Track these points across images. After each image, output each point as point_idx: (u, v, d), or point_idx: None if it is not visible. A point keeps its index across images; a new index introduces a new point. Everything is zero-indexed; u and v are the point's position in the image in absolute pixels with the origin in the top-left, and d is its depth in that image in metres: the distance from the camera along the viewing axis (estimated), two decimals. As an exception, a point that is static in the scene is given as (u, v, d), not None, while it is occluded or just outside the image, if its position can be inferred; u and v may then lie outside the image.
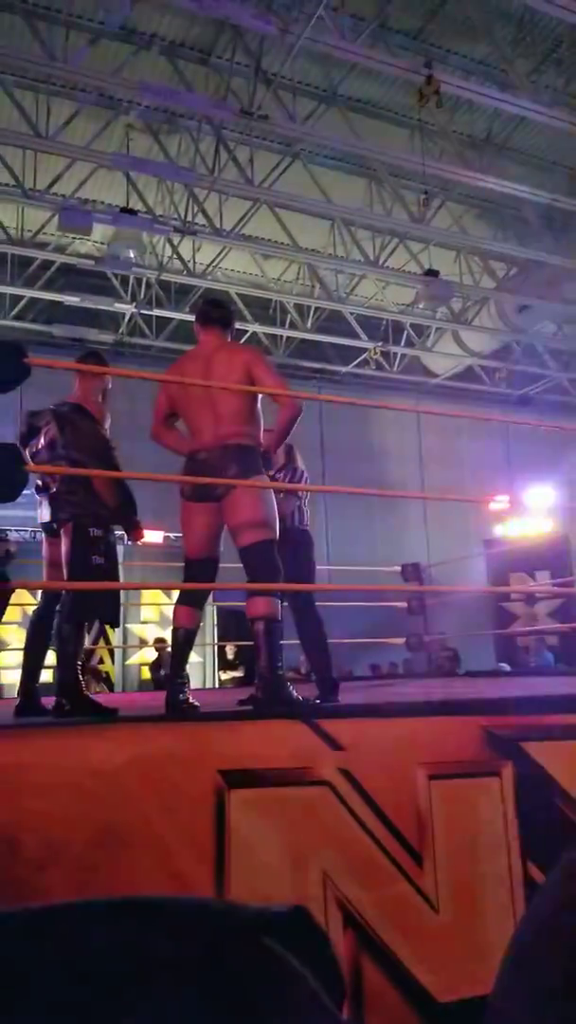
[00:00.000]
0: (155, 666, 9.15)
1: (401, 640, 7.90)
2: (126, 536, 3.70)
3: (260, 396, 3.38)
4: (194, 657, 11.10)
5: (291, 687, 3.26)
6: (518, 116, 8.87)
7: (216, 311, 3.58)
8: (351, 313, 12.62)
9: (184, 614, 3.35)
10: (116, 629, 8.37)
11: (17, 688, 3.89)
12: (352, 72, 8.62)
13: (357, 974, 2.32)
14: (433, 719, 2.75)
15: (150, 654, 9.78)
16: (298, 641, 4.29)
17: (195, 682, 10.45)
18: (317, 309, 12.73)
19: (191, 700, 3.21)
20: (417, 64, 7.87)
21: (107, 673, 10.02)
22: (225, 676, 10.73)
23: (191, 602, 3.38)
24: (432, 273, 10.33)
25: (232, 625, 9.61)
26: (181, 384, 3.36)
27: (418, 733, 2.66)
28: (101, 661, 9.59)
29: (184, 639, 3.36)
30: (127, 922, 0.61)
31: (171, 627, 3.49)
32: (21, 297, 11.61)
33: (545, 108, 8.40)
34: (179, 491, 3.37)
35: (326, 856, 2.36)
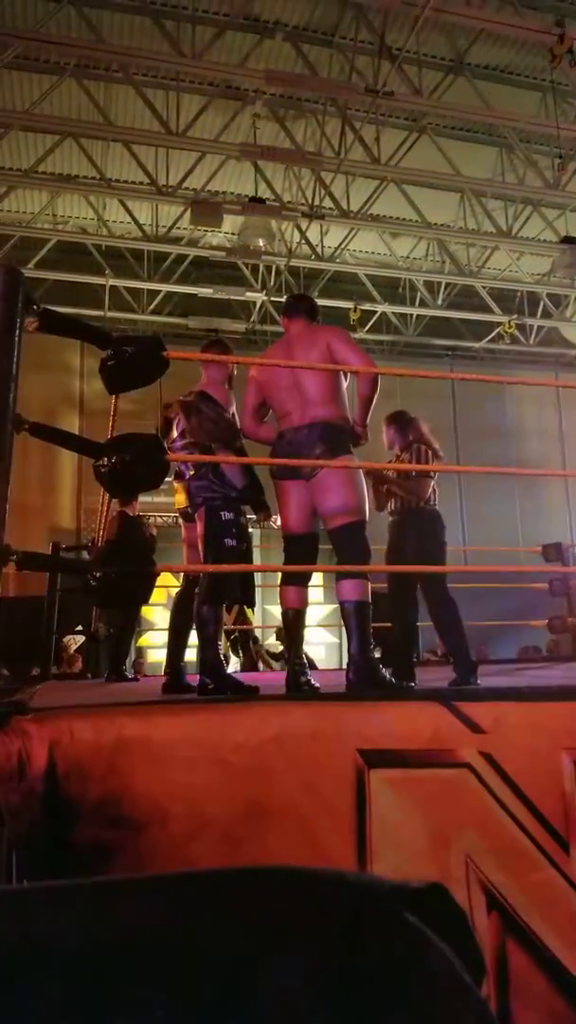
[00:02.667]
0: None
1: (543, 622, 7.65)
2: (256, 518, 3.77)
3: (347, 375, 3.37)
4: (330, 638, 11.24)
5: (383, 669, 3.22)
6: None
7: (302, 302, 3.64)
8: (483, 287, 12.27)
9: (291, 595, 3.33)
10: (254, 610, 8.57)
11: (164, 666, 4.06)
12: (479, 39, 8.35)
13: (502, 959, 2.29)
14: (577, 703, 2.66)
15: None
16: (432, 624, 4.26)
17: (332, 662, 10.57)
18: (448, 285, 12.46)
19: (312, 681, 3.20)
20: (548, 23, 7.53)
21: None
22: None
23: (297, 582, 3.35)
24: (569, 240, 9.89)
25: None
26: (268, 373, 3.40)
27: (562, 717, 2.58)
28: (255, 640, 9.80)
29: (294, 620, 3.32)
30: (267, 891, 0.63)
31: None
32: (158, 292, 12.02)
33: None
34: (269, 471, 3.39)
35: (468, 838, 2.34)
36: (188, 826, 2.15)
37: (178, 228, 10.94)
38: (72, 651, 8.35)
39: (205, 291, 11.54)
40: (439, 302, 12.55)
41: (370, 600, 3.21)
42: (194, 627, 3.58)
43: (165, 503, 6.14)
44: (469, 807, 2.37)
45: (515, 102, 9.13)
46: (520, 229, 10.91)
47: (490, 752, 2.42)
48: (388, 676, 3.24)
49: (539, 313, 12.95)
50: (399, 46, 8.03)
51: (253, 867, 0.69)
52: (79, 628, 7.52)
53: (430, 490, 4.30)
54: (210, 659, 3.28)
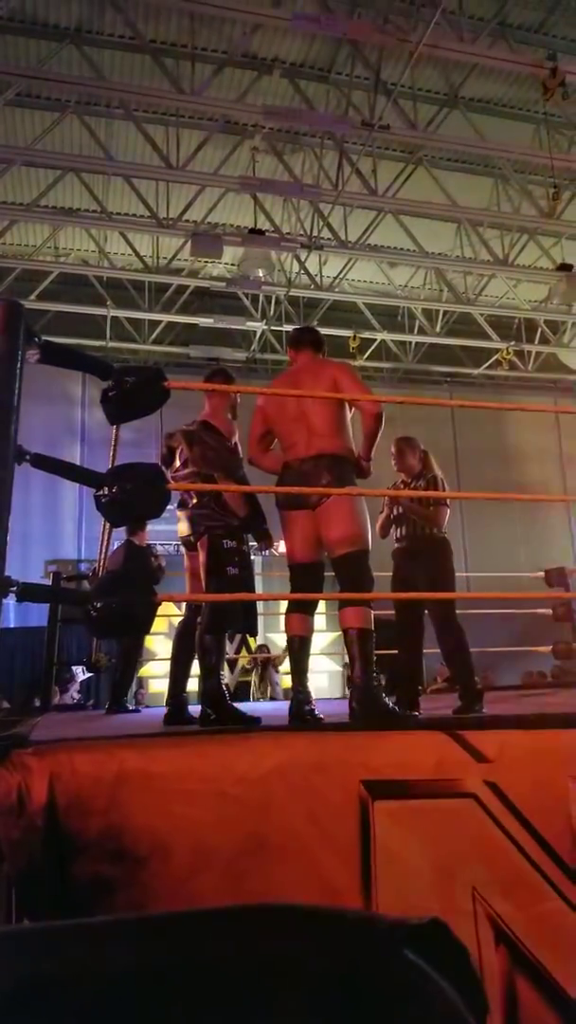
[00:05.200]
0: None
1: (548, 648, 7.61)
2: (258, 547, 3.76)
3: (349, 409, 3.39)
4: (333, 666, 11.17)
5: (387, 698, 3.20)
6: None
7: (307, 334, 3.67)
8: (481, 314, 12.36)
9: (296, 622, 3.30)
10: (256, 639, 8.53)
11: (165, 698, 4.02)
12: (473, 73, 8.49)
13: (511, 994, 2.25)
14: (583, 730, 2.64)
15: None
16: (439, 650, 4.24)
17: (336, 691, 10.50)
18: (446, 313, 12.56)
19: (316, 711, 3.17)
20: (540, 58, 7.67)
21: (249, 682, 10.19)
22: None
23: (301, 609, 3.33)
24: (566, 267, 9.98)
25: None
26: (275, 404, 3.42)
27: (568, 745, 2.56)
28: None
29: (299, 648, 3.29)
30: (266, 930, 0.62)
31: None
32: (159, 322, 12.12)
33: None
34: (275, 501, 3.39)
35: (475, 870, 2.31)
36: (190, 860, 2.12)
37: (179, 259, 11.06)
38: (77, 682, 8.30)
39: (206, 321, 11.64)
40: (438, 329, 12.65)
41: (373, 627, 3.20)
42: (196, 657, 3.56)
43: (167, 531, 6.13)
44: (474, 838, 2.34)
45: (509, 134, 9.26)
46: (516, 257, 11.01)
47: (495, 781, 2.39)
48: (392, 704, 3.22)
49: (537, 339, 13.03)
50: (394, 81, 8.17)
51: (256, 904, 0.68)
52: (86, 660, 7.47)
53: (446, 519, 4.33)
54: (212, 689, 3.26)
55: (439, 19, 7.09)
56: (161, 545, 7.80)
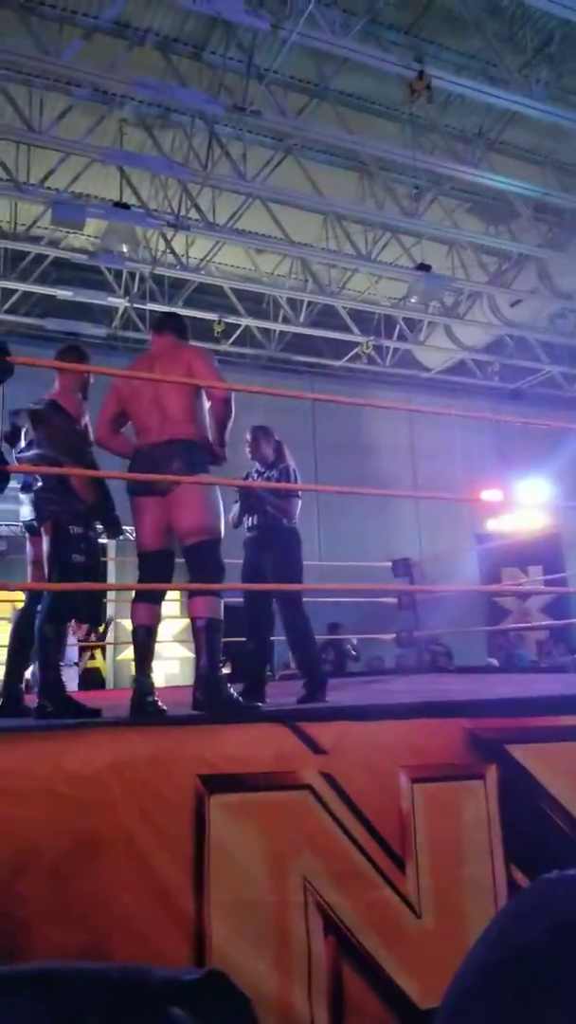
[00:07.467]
0: None
1: (391, 636, 7.89)
2: (106, 533, 3.65)
3: (204, 394, 3.37)
4: (185, 652, 11.09)
5: (231, 687, 3.22)
6: (509, 111, 8.79)
7: (171, 320, 3.64)
8: (344, 307, 12.56)
9: (142, 612, 3.25)
10: (102, 626, 8.32)
11: (-1, 688, 3.83)
12: (343, 67, 8.53)
13: (338, 981, 2.30)
14: (416, 721, 2.73)
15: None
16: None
17: (187, 678, 10.42)
18: (310, 303, 12.66)
19: (159, 703, 3.13)
20: (408, 59, 7.81)
21: (98, 669, 9.98)
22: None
23: (149, 599, 3.28)
24: (424, 267, 10.27)
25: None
26: (130, 386, 3.35)
27: (401, 736, 2.64)
28: (92, 657, 9.53)
29: (145, 638, 3.24)
30: (11, 999, 0.57)
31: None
32: (14, 291, 11.54)
33: (537, 103, 8.33)
34: (125, 486, 3.33)
35: (307, 861, 2.34)
36: (14, 862, 2.03)
37: (38, 227, 10.56)
38: None
39: (64, 293, 11.17)
40: (301, 319, 12.74)
41: (221, 617, 3.19)
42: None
43: (11, 511, 5.84)
44: (308, 829, 2.37)
45: (376, 131, 9.38)
46: (379, 254, 11.24)
47: (331, 772, 2.43)
48: (236, 695, 3.22)
49: (395, 336, 13.38)
50: (267, 66, 8.10)
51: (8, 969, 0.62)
52: None
53: (297, 510, 4.37)
54: (50, 681, 3.14)
55: (313, 10, 7.09)
56: (6, 527, 7.43)
